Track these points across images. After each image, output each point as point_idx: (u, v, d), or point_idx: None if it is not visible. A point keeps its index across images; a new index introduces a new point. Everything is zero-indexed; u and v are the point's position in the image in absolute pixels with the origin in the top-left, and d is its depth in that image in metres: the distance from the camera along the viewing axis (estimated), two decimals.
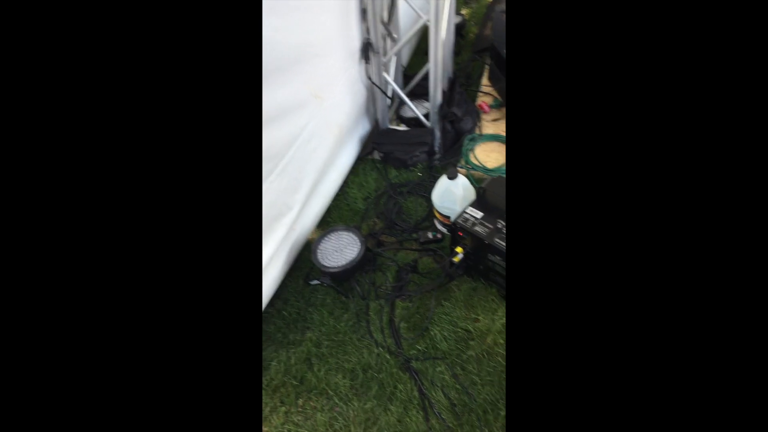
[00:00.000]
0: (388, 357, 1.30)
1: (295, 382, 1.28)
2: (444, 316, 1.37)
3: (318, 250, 1.46)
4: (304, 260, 1.57)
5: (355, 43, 1.63)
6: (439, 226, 1.59)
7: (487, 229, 1.29)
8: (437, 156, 1.86)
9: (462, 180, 1.44)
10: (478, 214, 1.33)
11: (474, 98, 2.05)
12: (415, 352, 1.31)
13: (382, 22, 1.65)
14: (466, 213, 1.34)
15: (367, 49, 1.65)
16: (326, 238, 1.49)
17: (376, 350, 1.32)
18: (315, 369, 1.30)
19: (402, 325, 1.38)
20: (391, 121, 1.97)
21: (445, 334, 1.33)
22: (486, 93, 2.06)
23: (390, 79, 1.81)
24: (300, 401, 1.25)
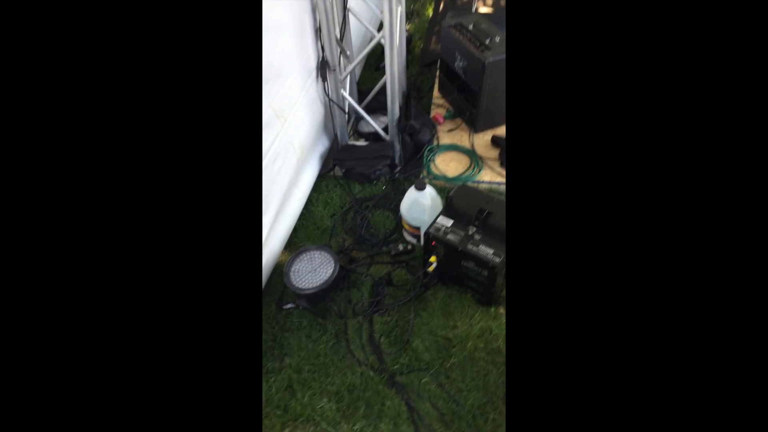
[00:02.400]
0: (372, 374, 1.29)
1: (278, 412, 1.23)
2: (423, 327, 1.38)
3: (291, 273, 1.42)
4: (274, 284, 1.52)
5: (312, 62, 1.63)
6: (408, 237, 1.61)
7: (458, 237, 1.32)
8: (398, 168, 1.88)
9: (429, 190, 1.47)
10: (449, 222, 1.37)
11: (428, 110, 2.11)
12: (398, 366, 1.31)
13: (336, 40, 1.67)
14: (437, 222, 1.37)
15: (324, 67, 1.65)
16: (298, 259, 1.45)
17: (359, 369, 1.30)
18: (298, 396, 1.26)
19: (383, 340, 1.37)
20: (349, 137, 1.98)
21: (427, 344, 1.34)
22: (439, 105, 2.13)
23: (347, 95, 1.82)
24: (286, 430, 1.20)
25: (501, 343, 1.32)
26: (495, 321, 1.37)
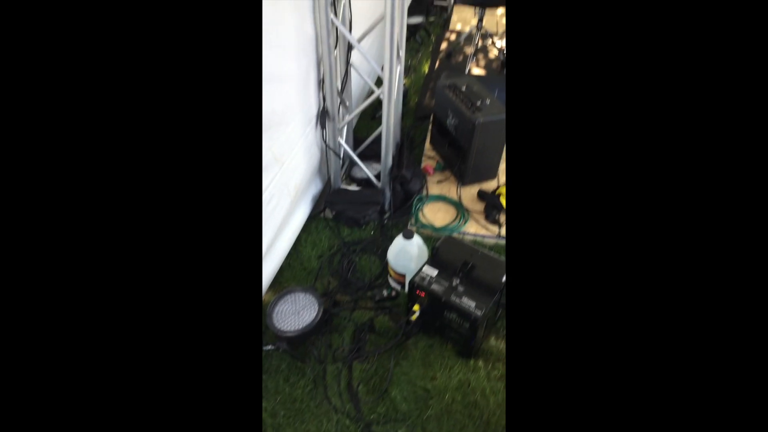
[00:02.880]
0: (348, 423, 1.27)
1: None
2: (403, 376, 1.38)
3: (274, 314, 1.42)
4: None
5: (313, 111, 1.71)
6: (394, 283, 1.64)
7: (443, 287, 1.36)
8: (388, 215, 1.94)
9: (417, 239, 1.52)
10: (434, 272, 1.41)
11: (419, 161, 2.20)
12: (375, 415, 1.29)
13: (337, 91, 1.77)
14: (423, 272, 1.41)
15: (323, 116, 1.74)
16: (282, 300, 1.46)
17: (335, 416, 1.29)
18: None
19: (361, 387, 1.36)
20: (342, 181, 2.04)
21: (405, 394, 1.34)
22: (430, 157, 2.22)
23: (343, 142, 1.90)
24: None
25: (479, 397, 1.33)
26: (474, 374, 1.38)
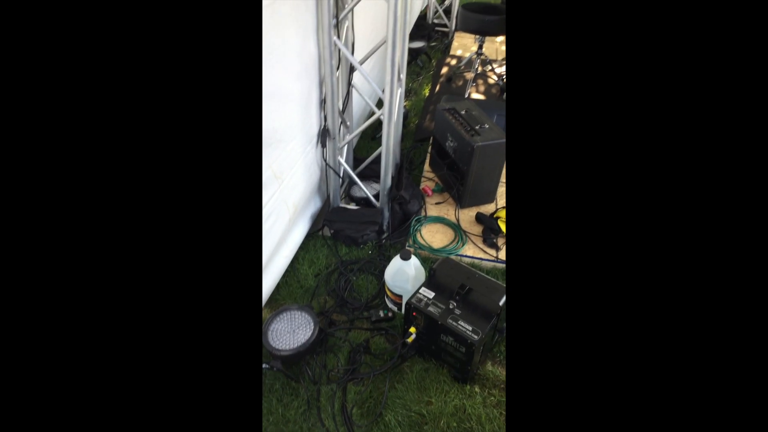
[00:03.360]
0: None
1: None
2: (398, 400, 1.35)
3: (269, 332, 1.40)
4: None
5: (313, 130, 1.73)
6: (390, 304, 1.62)
7: (439, 310, 1.35)
8: (386, 235, 1.94)
9: (414, 261, 1.51)
10: (431, 294, 1.40)
11: (418, 182, 2.22)
12: None
13: (338, 111, 1.79)
14: (420, 293, 1.40)
15: (324, 135, 1.76)
16: (278, 318, 1.45)
17: None
18: None
19: (355, 410, 1.33)
20: (341, 200, 2.05)
21: (399, 419, 1.31)
22: (429, 178, 2.24)
23: (343, 161, 1.91)
24: None
25: (474, 424, 1.30)
26: (469, 400, 1.35)
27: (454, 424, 1.30)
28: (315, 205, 1.98)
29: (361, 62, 1.73)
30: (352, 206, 2.03)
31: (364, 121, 1.89)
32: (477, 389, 1.38)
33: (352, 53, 1.70)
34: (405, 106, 2.93)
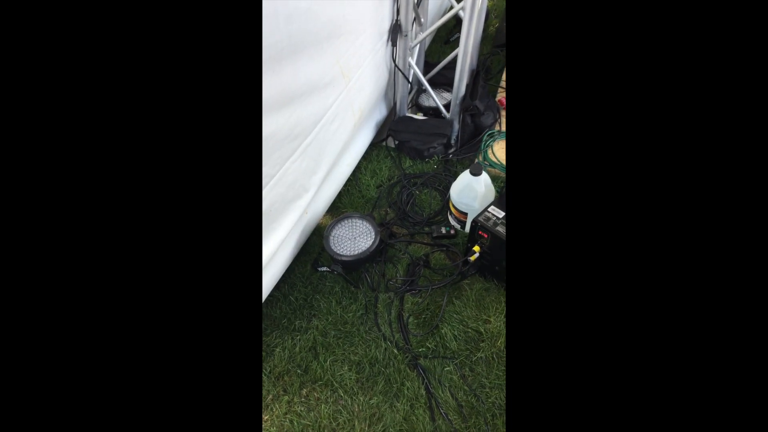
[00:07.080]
0: (395, 352, 1.27)
1: (299, 371, 1.24)
2: (455, 315, 1.34)
3: (331, 237, 1.40)
4: (312, 245, 1.52)
5: (385, 24, 1.56)
6: (453, 222, 1.55)
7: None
8: (453, 149, 1.81)
9: (485, 177, 1.40)
10: (501, 214, 1.30)
11: (494, 93, 2.00)
12: (423, 349, 1.28)
13: (413, 5, 1.58)
14: (488, 212, 1.31)
15: (395, 31, 1.58)
16: (339, 225, 1.44)
17: (383, 344, 1.29)
18: (320, 359, 1.26)
19: (411, 320, 1.35)
20: (408, 109, 1.91)
21: (455, 333, 1.30)
22: (506, 89, 2.01)
23: (414, 64, 1.74)
24: (304, 391, 1.21)
25: None
26: None
27: None
28: (381, 112, 1.86)
29: None
30: (420, 116, 1.89)
31: (440, 19, 1.67)
32: None
33: None
34: (488, 4, 2.58)
